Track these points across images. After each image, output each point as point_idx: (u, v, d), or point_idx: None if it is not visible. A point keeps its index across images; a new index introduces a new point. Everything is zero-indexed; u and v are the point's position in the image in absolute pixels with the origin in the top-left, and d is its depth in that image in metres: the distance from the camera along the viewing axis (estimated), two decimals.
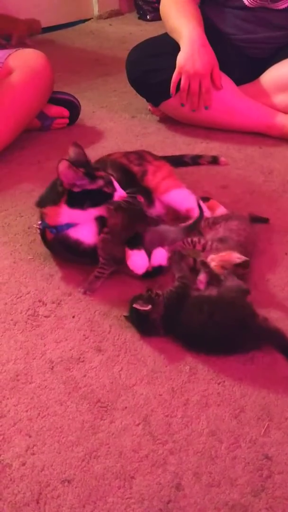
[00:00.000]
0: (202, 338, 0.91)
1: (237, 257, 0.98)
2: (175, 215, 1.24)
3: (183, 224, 1.12)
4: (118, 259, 1.06)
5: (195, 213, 1.19)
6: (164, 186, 1.22)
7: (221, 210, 1.21)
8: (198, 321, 0.90)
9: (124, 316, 0.97)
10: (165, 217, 1.24)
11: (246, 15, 1.60)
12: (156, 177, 1.23)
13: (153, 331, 0.94)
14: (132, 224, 1.08)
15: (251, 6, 1.56)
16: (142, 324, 0.94)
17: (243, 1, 1.56)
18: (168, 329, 0.94)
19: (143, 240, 1.07)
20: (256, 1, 1.55)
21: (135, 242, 1.06)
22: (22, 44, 2.52)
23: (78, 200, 1.03)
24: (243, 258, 0.98)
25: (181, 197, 1.21)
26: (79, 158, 1.07)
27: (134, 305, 0.92)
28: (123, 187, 1.13)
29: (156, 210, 1.22)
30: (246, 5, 1.56)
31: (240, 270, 0.99)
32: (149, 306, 0.91)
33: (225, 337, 0.90)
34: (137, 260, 1.04)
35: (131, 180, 1.21)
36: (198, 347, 0.91)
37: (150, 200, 1.21)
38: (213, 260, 1.00)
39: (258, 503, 0.70)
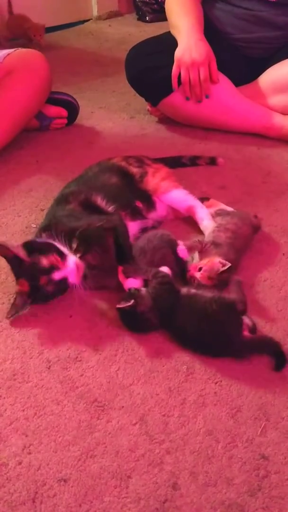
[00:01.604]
0: (193, 339, 0.91)
1: (220, 263, 0.97)
2: (175, 216, 1.25)
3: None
4: (111, 287, 1.03)
5: (197, 210, 1.19)
6: (165, 186, 1.22)
7: (221, 208, 1.22)
8: (190, 321, 0.91)
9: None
10: (166, 219, 1.24)
11: (243, 14, 1.61)
12: (156, 177, 1.24)
13: (148, 326, 0.94)
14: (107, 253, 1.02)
15: None
16: (135, 321, 0.94)
17: None
18: (163, 321, 0.94)
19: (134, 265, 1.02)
20: None
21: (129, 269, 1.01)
22: (36, 45, 2.53)
23: None
24: (226, 264, 0.97)
25: (181, 196, 1.22)
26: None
27: (118, 306, 0.93)
28: (122, 190, 1.14)
29: (158, 213, 1.23)
30: None
31: (226, 274, 0.98)
32: (132, 301, 0.92)
33: (211, 343, 0.90)
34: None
35: (129, 184, 1.21)
36: (191, 346, 0.92)
37: (150, 204, 1.21)
38: (198, 272, 0.98)
39: (254, 503, 0.70)
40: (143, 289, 0.95)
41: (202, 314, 0.90)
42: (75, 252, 0.99)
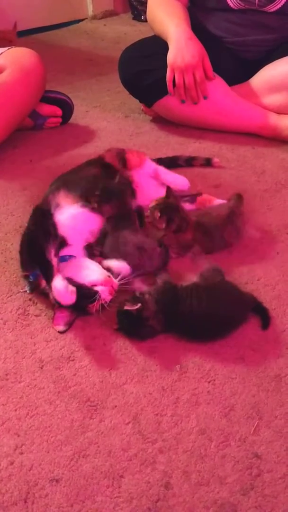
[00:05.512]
0: (203, 325, 0.92)
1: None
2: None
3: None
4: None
5: (161, 172, 1.27)
6: (148, 162, 1.27)
7: (218, 202, 1.24)
8: (197, 308, 0.91)
9: (115, 329, 0.95)
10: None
11: (236, 17, 1.60)
12: (135, 156, 1.27)
13: (149, 332, 0.93)
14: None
15: (236, 8, 1.56)
16: (137, 327, 0.93)
17: (228, 4, 1.56)
18: (167, 324, 0.93)
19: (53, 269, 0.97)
20: (240, 4, 1.54)
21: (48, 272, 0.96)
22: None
23: None
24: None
25: (152, 164, 1.28)
26: None
27: (126, 307, 0.91)
28: (98, 180, 1.17)
29: (138, 200, 1.21)
30: (231, 7, 1.57)
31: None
32: (139, 304, 0.90)
33: (225, 317, 0.94)
34: (61, 291, 0.94)
35: (108, 174, 1.20)
36: (200, 335, 0.93)
37: (131, 192, 1.21)
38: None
39: (247, 502, 0.70)
40: (146, 294, 0.94)
41: (211, 287, 0.97)
42: (93, 202, 1.09)
